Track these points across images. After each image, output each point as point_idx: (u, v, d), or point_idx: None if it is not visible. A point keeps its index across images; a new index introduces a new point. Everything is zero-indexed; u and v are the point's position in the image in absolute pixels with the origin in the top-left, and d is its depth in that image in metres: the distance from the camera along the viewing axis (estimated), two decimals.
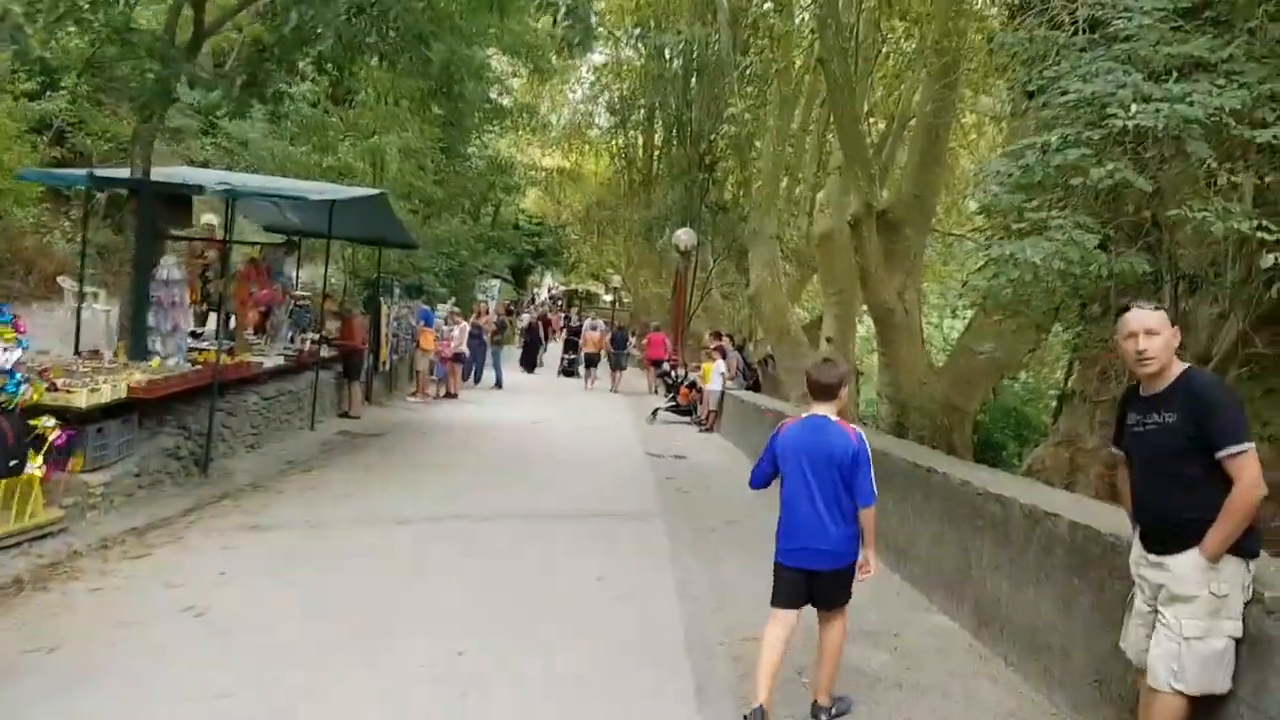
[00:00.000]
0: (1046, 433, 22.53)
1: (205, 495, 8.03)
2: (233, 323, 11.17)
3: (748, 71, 24.96)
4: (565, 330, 24.65)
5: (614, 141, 32.95)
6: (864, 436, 4.33)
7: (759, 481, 4.60)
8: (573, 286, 52.63)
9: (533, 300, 40.86)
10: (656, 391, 23.60)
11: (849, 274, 20.65)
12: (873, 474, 4.30)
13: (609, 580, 6.34)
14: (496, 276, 36.94)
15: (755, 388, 18.08)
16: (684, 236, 20.90)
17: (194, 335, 10.96)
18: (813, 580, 4.32)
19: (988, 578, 5.46)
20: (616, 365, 24.06)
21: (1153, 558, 3.46)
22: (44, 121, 16.51)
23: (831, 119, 23.09)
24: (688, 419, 17.07)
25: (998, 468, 21.69)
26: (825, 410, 4.41)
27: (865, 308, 26.71)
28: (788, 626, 4.33)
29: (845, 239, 20.31)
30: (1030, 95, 11.98)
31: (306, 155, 17.27)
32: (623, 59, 31.89)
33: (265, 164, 17.19)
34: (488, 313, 21.07)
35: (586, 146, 36.61)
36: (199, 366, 8.49)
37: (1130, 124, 5.13)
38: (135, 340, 8.28)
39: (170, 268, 8.26)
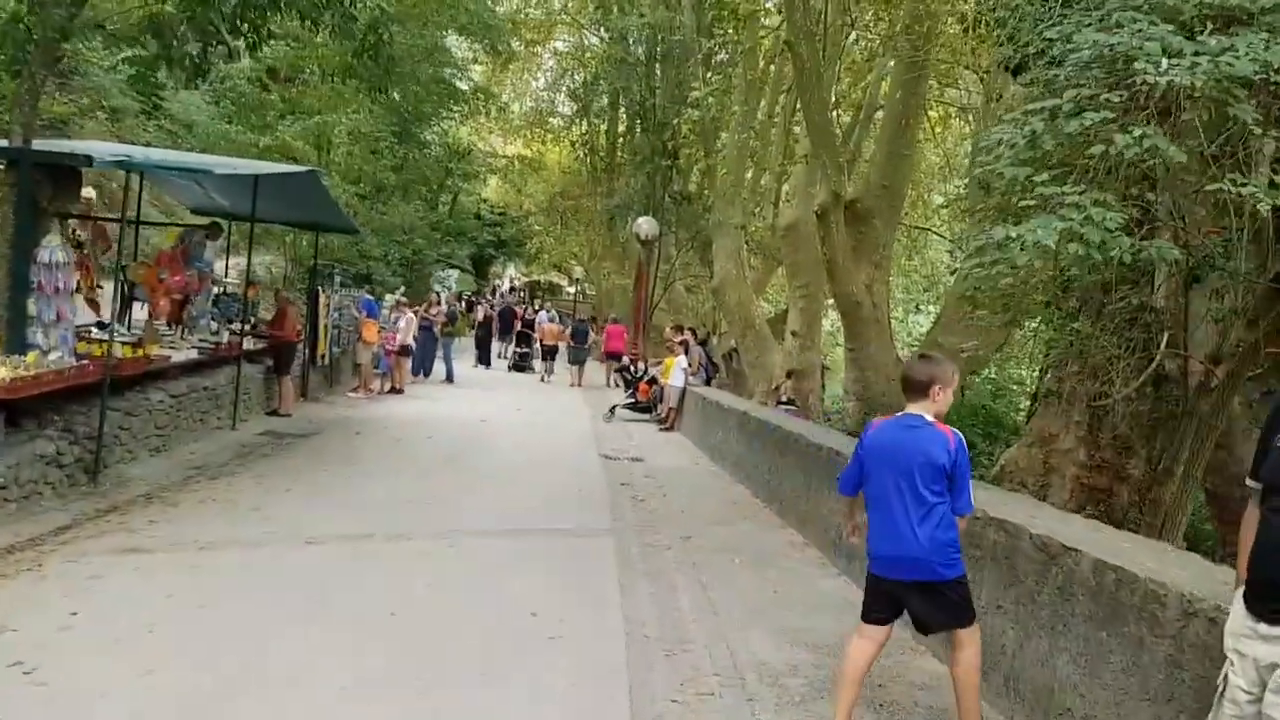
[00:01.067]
0: (1017, 431, 21.99)
1: (89, 509, 6.95)
2: (141, 312, 10.08)
3: (713, 57, 24.09)
4: (519, 322, 23.51)
5: (576, 127, 31.87)
6: (963, 440, 3.97)
7: (847, 486, 4.29)
8: (535, 278, 51.45)
9: (494, 291, 39.68)
10: (615, 386, 22.81)
11: (815, 266, 19.93)
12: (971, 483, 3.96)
13: (543, 616, 5.38)
14: (455, 267, 35.80)
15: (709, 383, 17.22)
16: (645, 225, 19.96)
17: (100, 326, 9.86)
18: (906, 594, 3.95)
19: (990, 618, 4.58)
20: (577, 360, 23.12)
21: (1267, 629, 2.58)
22: None
23: (798, 105, 22.49)
24: (647, 416, 16.15)
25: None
26: (919, 409, 4.04)
27: (832, 301, 26.10)
28: (875, 643, 4.02)
29: (811, 230, 19.54)
30: (1015, 72, 11.22)
31: (241, 134, 16.12)
32: (585, 44, 30.88)
33: (214, 147, 16.05)
34: (439, 303, 19.96)
35: (549, 135, 35.57)
36: (84, 362, 7.39)
37: (1163, 82, 4.27)
38: (12, 332, 7.17)
39: (54, 249, 7.15)
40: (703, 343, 17.51)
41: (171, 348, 9.46)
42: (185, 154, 12.04)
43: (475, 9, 22.41)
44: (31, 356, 6.84)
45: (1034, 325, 14.26)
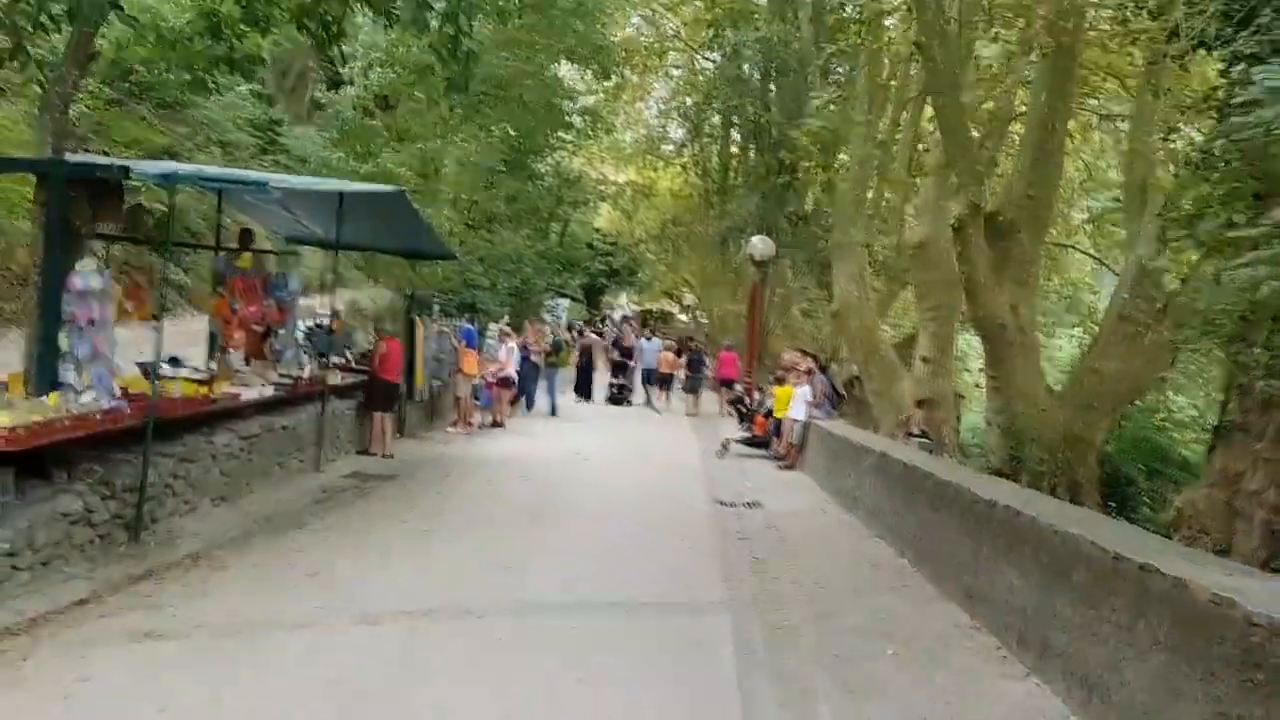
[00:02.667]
0: (1186, 467, 19.34)
1: (118, 576, 5.91)
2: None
3: (830, 70, 22.50)
4: (615, 349, 21.94)
5: (687, 150, 30.72)
6: None
7: None
8: (646, 306, 50.42)
9: (603, 319, 38.73)
10: (728, 414, 21.42)
11: (947, 286, 18.08)
12: None
13: None
14: (564, 295, 35.01)
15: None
16: (760, 245, 18.48)
17: (173, 362, 9.02)
18: None
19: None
20: (692, 388, 21.94)
21: None
22: (70, 128, 14.97)
23: (925, 113, 20.66)
24: (765, 452, 14.57)
25: (1127, 505, 18.62)
26: None
27: (968, 324, 23.87)
28: None
29: (943, 247, 17.77)
30: (1207, 47, 9.35)
31: (342, 162, 15.52)
32: (697, 68, 29.75)
33: (316, 175, 15.49)
34: (542, 332, 18.92)
35: (660, 161, 34.65)
36: (120, 404, 6.41)
37: None
38: (42, 370, 6.26)
39: (88, 275, 6.22)
40: (823, 369, 15.82)
41: (243, 385, 8.52)
42: (244, 171, 11.26)
43: (584, 30, 21.52)
44: (53, 399, 5.89)
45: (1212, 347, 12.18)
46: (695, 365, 22.42)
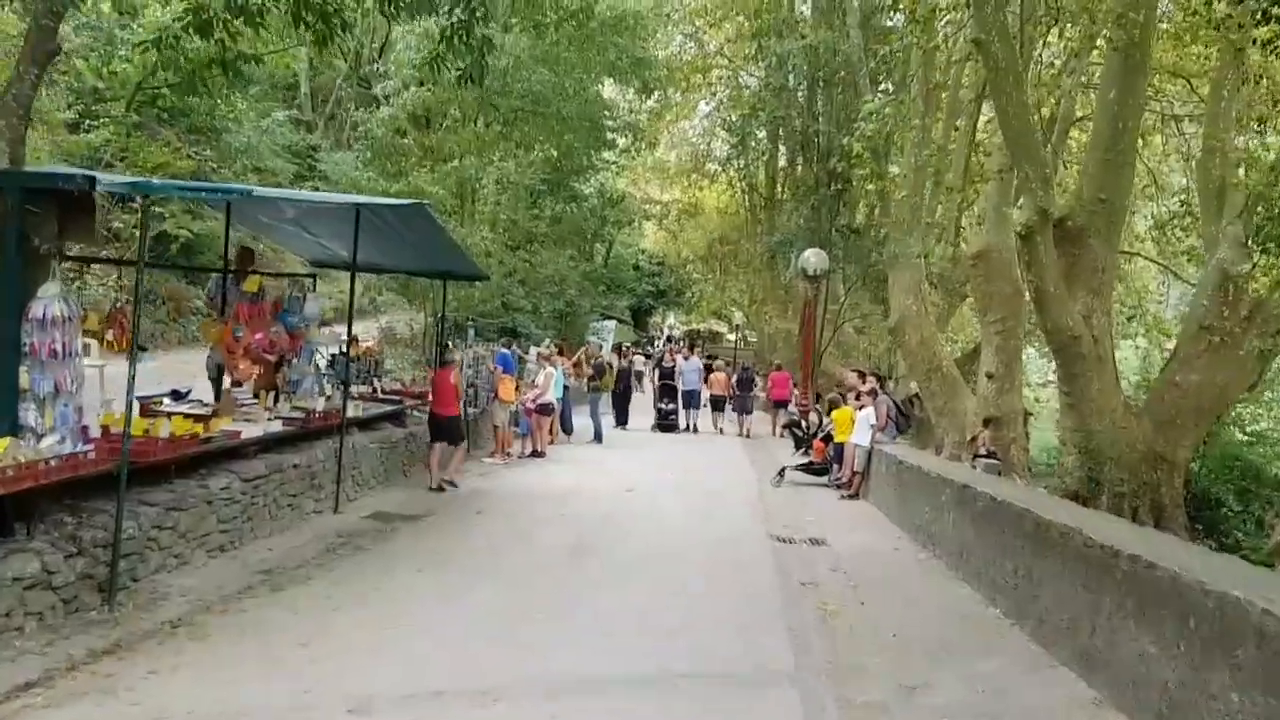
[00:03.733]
0: None
1: (79, 650, 5.00)
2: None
3: (883, 67, 21.39)
4: (657, 372, 20.56)
5: (733, 164, 29.73)
6: None
7: None
8: (694, 326, 49.42)
9: (650, 341, 37.78)
10: (781, 436, 20.31)
11: (1012, 298, 16.96)
12: None
13: None
14: (610, 317, 34.13)
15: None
16: (813, 258, 17.36)
17: (175, 396, 8.22)
18: None
19: None
20: (743, 409, 21.04)
21: None
22: (94, 155, 14.51)
23: (982, 118, 19.48)
24: (824, 480, 13.40)
25: (1216, 529, 17.03)
26: None
27: (1033, 337, 22.44)
28: None
29: (1007, 257, 16.65)
30: None
31: (372, 181, 14.82)
32: (742, 84, 28.80)
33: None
34: (592, 352, 17.97)
35: (705, 179, 33.76)
36: (87, 448, 5.53)
37: None
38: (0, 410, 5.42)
39: (49, 301, 5.38)
40: (880, 387, 14.57)
41: (247, 420, 7.65)
42: (230, 184, 10.51)
43: (624, 43, 20.73)
44: (1, 444, 5.02)
45: None
46: (745, 385, 21.66)
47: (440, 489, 10.65)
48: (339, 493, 9.06)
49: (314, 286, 10.17)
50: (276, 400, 8.89)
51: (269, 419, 8.02)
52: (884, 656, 5.86)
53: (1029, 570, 6.65)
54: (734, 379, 21.90)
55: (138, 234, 13.68)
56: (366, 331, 16.92)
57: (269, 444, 8.21)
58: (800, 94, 24.82)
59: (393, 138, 15.92)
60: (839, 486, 12.86)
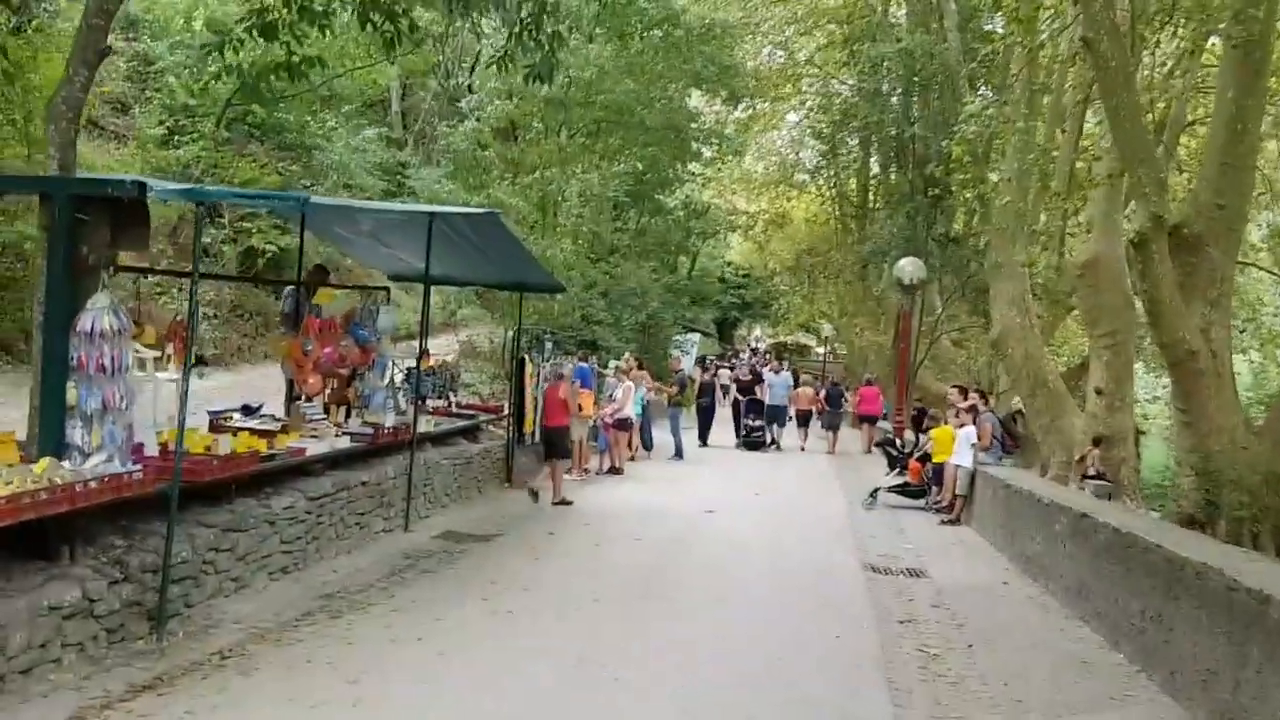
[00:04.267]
0: None
1: (116, 686, 4.70)
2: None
3: (986, 66, 20.37)
4: (735, 386, 19.57)
5: (823, 173, 28.90)
6: None
7: None
8: (781, 339, 48.40)
9: (736, 354, 37.00)
10: (870, 452, 19.47)
11: (1122, 310, 15.84)
12: None
13: None
14: (695, 330, 33.53)
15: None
16: (909, 268, 16.48)
17: (246, 411, 8.01)
18: None
19: None
20: (831, 425, 20.30)
21: None
22: (184, 170, 14.71)
23: (1082, 120, 18.38)
24: (921, 503, 12.57)
25: None
26: None
27: (1144, 350, 21.04)
28: None
29: (1117, 266, 15.55)
30: None
31: (453, 195, 14.65)
32: (832, 91, 27.94)
33: None
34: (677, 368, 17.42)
35: (794, 190, 32.96)
36: (135, 469, 5.26)
37: None
38: (46, 427, 5.19)
39: (100, 313, 5.13)
40: (985, 403, 13.62)
41: (314, 436, 7.37)
42: (291, 192, 10.33)
43: (710, 50, 20.22)
44: (41, 465, 4.76)
45: None
46: (834, 400, 20.97)
47: (566, 502, 10.81)
48: (409, 511, 8.74)
49: (388, 299, 9.91)
50: (348, 415, 8.62)
51: (337, 435, 7.72)
52: (996, 712, 5.16)
53: (1159, 613, 5.86)
54: (822, 394, 21.25)
55: (225, 249, 13.83)
56: (447, 346, 16.77)
57: (338, 460, 7.92)
58: (895, 99, 23.88)
59: (475, 150, 15.74)
60: (937, 510, 12.02)
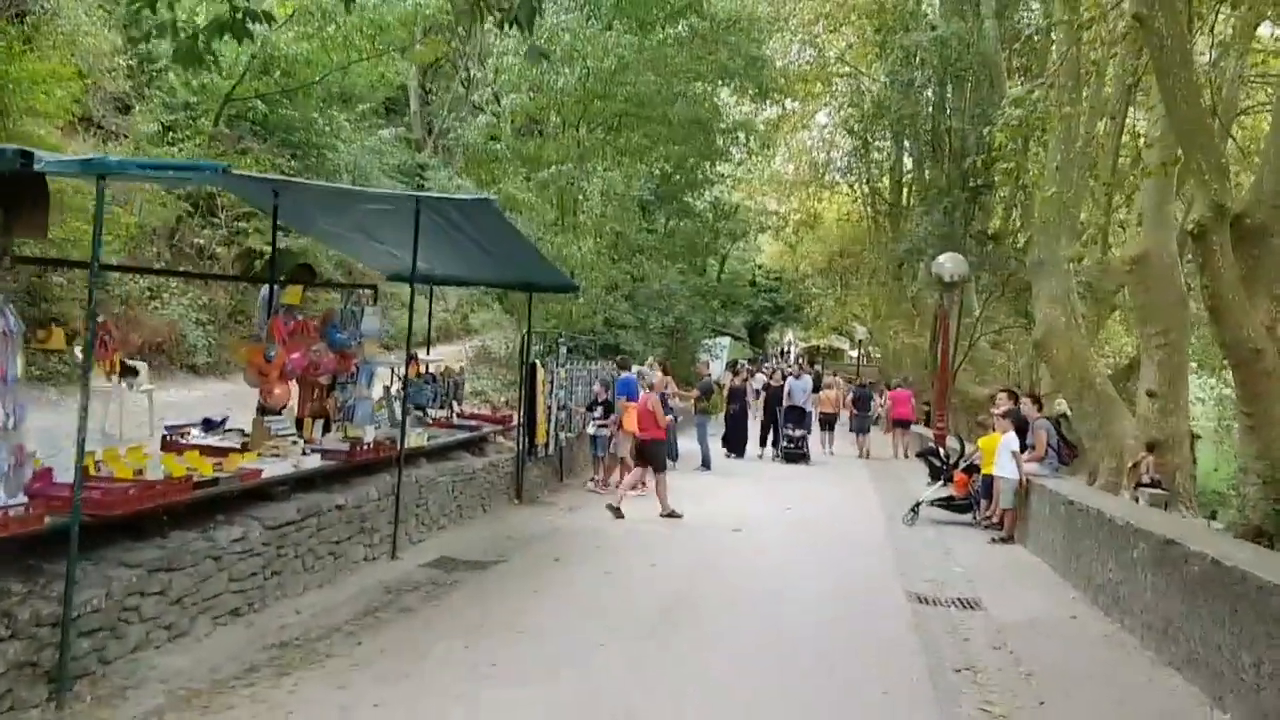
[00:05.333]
0: None
1: None
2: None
3: (1024, 55, 19.12)
4: (764, 394, 17.42)
5: (855, 170, 27.68)
6: None
7: None
8: (814, 342, 47.06)
9: (767, 358, 35.77)
10: (904, 457, 18.70)
11: (1176, 307, 14.70)
12: None
13: None
14: (725, 334, 32.39)
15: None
16: (949, 264, 15.24)
17: (209, 425, 7.05)
18: None
19: None
20: (860, 429, 19.53)
21: None
22: None
23: (1127, 105, 17.11)
24: (968, 518, 11.36)
25: None
26: None
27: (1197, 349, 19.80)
28: None
29: (1168, 261, 14.40)
30: None
31: (465, 191, 13.70)
32: (863, 88, 26.74)
33: None
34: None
35: (825, 190, 31.81)
36: (21, 503, 4.27)
37: None
38: None
39: None
40: (1036, 406, 12.30)
41: (275, 455, 6.36)
42: (205, 161, 9.36)
43: (736, 41, 19.14)
44: None
45: None
46: (862, 404, 20.10)
47: (673, 515, 10.46)
48: (396, 536, 7.71)
49: (374, 300, 8.92)
50: (327, 429, 7.63)
51: (306, 452, 6.72)
52: None
53: (1277, 666, 4.67)
54: (850, 397, 20.38)
55: (220, 250, 12.94)
56: (457, 352, 15.78)
57: (312, 481, 6.92)
58: (930, 91, 22.65)
59: (486, 144, 14.79)
60: (987, 527, 10.81)
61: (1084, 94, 16.77)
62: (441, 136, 24.91)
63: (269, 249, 13.43)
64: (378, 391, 8.72)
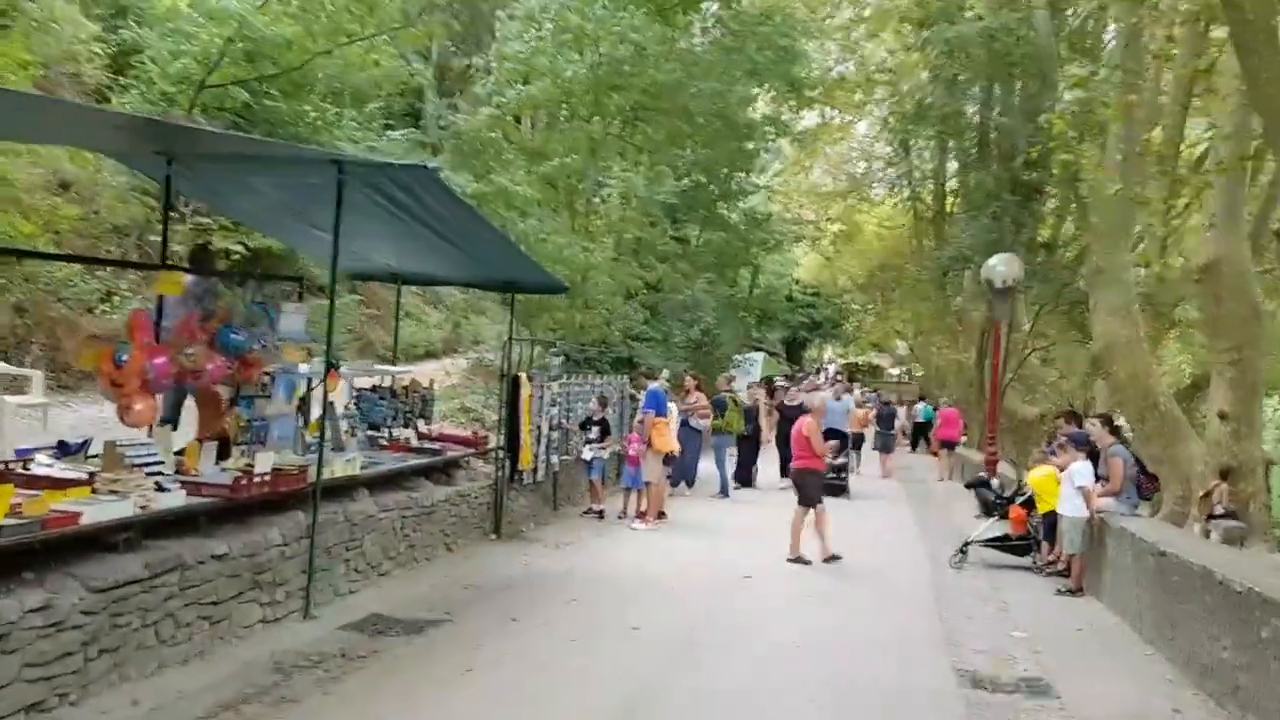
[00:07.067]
0: None
1: None
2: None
3: (1077, 46, 17.14)
4: (778, 414, 14.35)
5: (897, 168, 25.78)
6: None
7: None
8: (853, 359, 44.85)
9: (805, 375, 33.69)
10: (946, 479, 17.32)
11: (1248, 321, 12.88)
12: None
13: None
14: (760, 349, 30.46)
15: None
16: (1001, 268, 13.23)
17: (64, 449, 5.45)
18: None
19: None
20: (884, 447, 18.24)
21: None
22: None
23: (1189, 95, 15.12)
24: (1027, 561, 9.40)
25: None
26: None
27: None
28: None
29: (1240, 270, 12.56)
30: None
31: (458, 187, 12.14)
32: (904, 91, 24.83)
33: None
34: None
35: (865, 205, 30.05)
36: None
37: None
38: None
39: None
40: (1110, 432, 10.23)
41: (114, 492, 4.70)
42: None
43: (767, 31, 17.44)
44: None
45: None
46: (886, 421, 18.81)
47: (835, 557, 8.93)
48: (309, 591, 6.01)
49: (299, 295, 7.28)
50: (225, 454, 5.98)
51: (169, 488, 5.05)
52: None
53: None
54: (874, 414, 19.05)
55: (179, 249, 11.48)
56: (453, 364, 14.15)
57: (194, 522, 5.27)
58: (976, 87, 20.70)
59: (481, 133, 13.23)
60: (1049, 574, 8.85)
61: (1145, 78, 14.83)
62: (444, 130, 23.51)
63: (236, 249, 12.07)
64: (315, 412, 7.05)
